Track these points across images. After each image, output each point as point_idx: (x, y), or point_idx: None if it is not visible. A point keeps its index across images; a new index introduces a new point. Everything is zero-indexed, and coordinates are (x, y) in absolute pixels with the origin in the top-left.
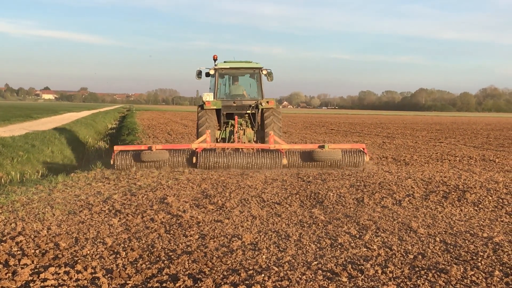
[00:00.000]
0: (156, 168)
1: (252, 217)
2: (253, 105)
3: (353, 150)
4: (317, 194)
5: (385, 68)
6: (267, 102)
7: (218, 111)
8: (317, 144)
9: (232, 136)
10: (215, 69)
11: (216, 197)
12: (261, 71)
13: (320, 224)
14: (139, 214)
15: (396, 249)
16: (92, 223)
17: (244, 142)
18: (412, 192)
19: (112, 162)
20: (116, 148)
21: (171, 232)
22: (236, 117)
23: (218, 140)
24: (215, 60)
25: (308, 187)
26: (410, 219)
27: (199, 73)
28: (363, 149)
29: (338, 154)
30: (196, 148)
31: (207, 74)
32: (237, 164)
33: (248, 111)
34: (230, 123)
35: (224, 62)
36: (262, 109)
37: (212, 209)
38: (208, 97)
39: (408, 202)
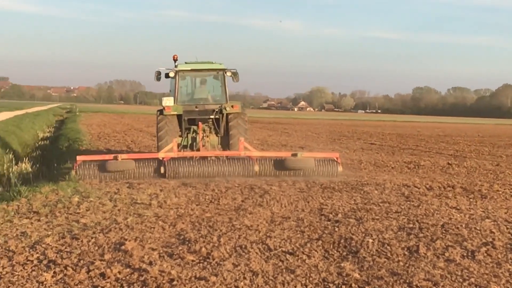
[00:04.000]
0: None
1: (252, 274)
2: (217, 110)
3: (327, 159)
4: (350, 240)
5: (452, 54)
6: (232, 106)
7: (179, 117)
8: (290, 152)
9: (195, 143)
10: (175, 71)
11: (199, 242)
12: (225, 73)
13: (354, 285)
14: (83, 267)
15: None
16: (13, 279)
17: (208, 149)
18: (491, 240)
19: (74, 173)
20: (79, 158)
21: None
22: (199, 123)
23: (180, 147)
24: (175, 60)
25: (336, 229)
26: (488, 279)
27: (158, 75)
28: (337, 158)
29: (311, 163)
30: (163, 158)
31: (167, 76)
32: (207, 172)
33: (211, 116)
34: (192, 129)
35: (185, 63)
36: (226, 114)
37: (193, 261)
38: (168, 101)
39: (485, 254)
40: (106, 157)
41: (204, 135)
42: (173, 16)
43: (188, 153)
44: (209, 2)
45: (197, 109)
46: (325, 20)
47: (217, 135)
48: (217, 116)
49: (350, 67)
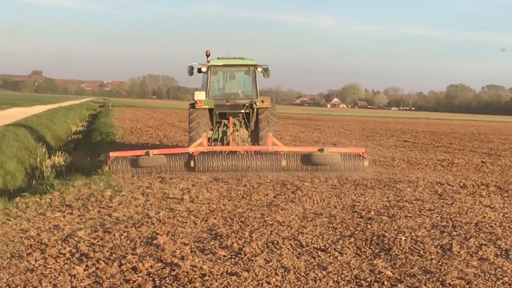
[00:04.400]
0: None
1: (284, 270)
2: (247, 105)
3: (353, 154)
4: (382, 237)
5: (488, 52)
6: (262, 101)
7: (210, 111)
8: (317, 147)
9: (225, 136)
10: (207, 66)
11: (231, 237)
12: (256, 68)
13: (386, 282)
14: (115, 261)
15: None
16: (45, 271)
17: (238, 143)
18: None
19: (107, 169)
20: (112, 154)
21: None
22: (230, 117)
23: (211, 140)
24: (207, 56)
25: (369, 226)
26: None
27: (191, 70)
28: (363, 153)
29: (337, 158)
30: (193, 152)
31: (199, 71)
32: (236, 166)
33: (242, 111)
34: (223, 123)
35: (218, 58)
36: (256, 109)
37: (224, 256)
38: (200, 95)
39: None
40: (138, 152)
41: (234, 129)
42: (208, 12)
43: (217, 148)
44: None
45: (228, 104)
46: (360, 17)
47: (247, 129)
48: (247, 111)
49: (384, 63)
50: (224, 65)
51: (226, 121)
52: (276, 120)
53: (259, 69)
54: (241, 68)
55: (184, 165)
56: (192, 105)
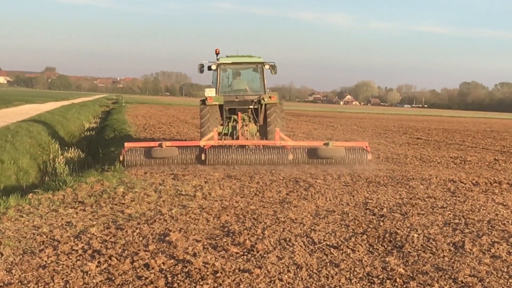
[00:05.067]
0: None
1: (296, 267)
2: (256, 100)
3: (357, 148)
4: (395, 234)
5: (501, 49)
6: (270, 97)
7: (220, 107)
8: (322, 141)
9: (235, 131)
10: (217, 64)
11: (243, 234)
12: (264, 66)
13: (398, 280)
14: (127, 257)
15: None
16: (58, 268)
17: (247, 138)
18: None
19: (121, 159)
20: (127, 145)
21: (175, 285)
22: (239, 113)
23: (221, 135)
24: (217, 54)
25: (381, 223)
26: None
27: (201, 67)
28: (366, 147)
29: (342, 151)
30: (204, 145)
31: (209, 68)
32: (244, 160)
33: (250, 107)
34: (232, 118)
35: (227, 56)
36: (264, 105)
37: (237, 253)
38: (210, 92)
39: None
40: (152, 144)
41: (244, 124)
42: (221, 9)
43: (227, 142)
44: None
45: (237, 100)
46: (373, 14)
47: (255, 124)
48: (255, 107)
49: (397, 61)
50: (232, 63)
51: (235, 117)
52: (284, 115)
53: (267, 66)
54: (249, 65)
55: (195, 158)
56: (203, 102)
